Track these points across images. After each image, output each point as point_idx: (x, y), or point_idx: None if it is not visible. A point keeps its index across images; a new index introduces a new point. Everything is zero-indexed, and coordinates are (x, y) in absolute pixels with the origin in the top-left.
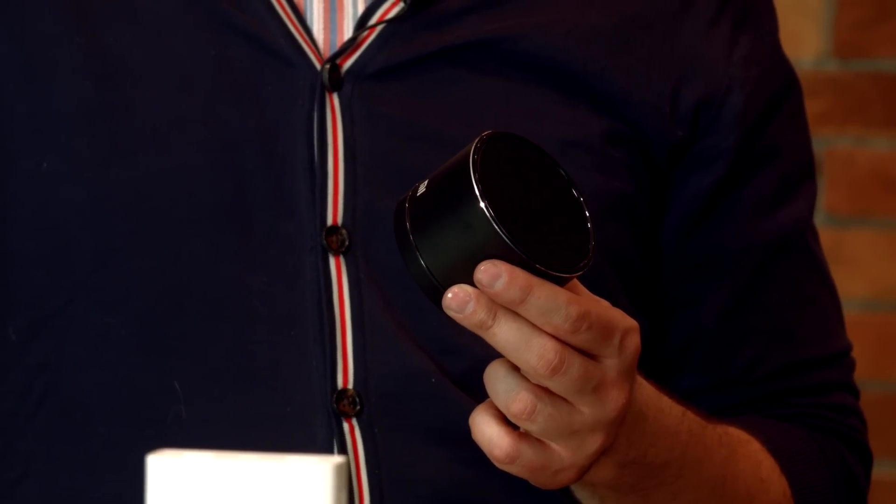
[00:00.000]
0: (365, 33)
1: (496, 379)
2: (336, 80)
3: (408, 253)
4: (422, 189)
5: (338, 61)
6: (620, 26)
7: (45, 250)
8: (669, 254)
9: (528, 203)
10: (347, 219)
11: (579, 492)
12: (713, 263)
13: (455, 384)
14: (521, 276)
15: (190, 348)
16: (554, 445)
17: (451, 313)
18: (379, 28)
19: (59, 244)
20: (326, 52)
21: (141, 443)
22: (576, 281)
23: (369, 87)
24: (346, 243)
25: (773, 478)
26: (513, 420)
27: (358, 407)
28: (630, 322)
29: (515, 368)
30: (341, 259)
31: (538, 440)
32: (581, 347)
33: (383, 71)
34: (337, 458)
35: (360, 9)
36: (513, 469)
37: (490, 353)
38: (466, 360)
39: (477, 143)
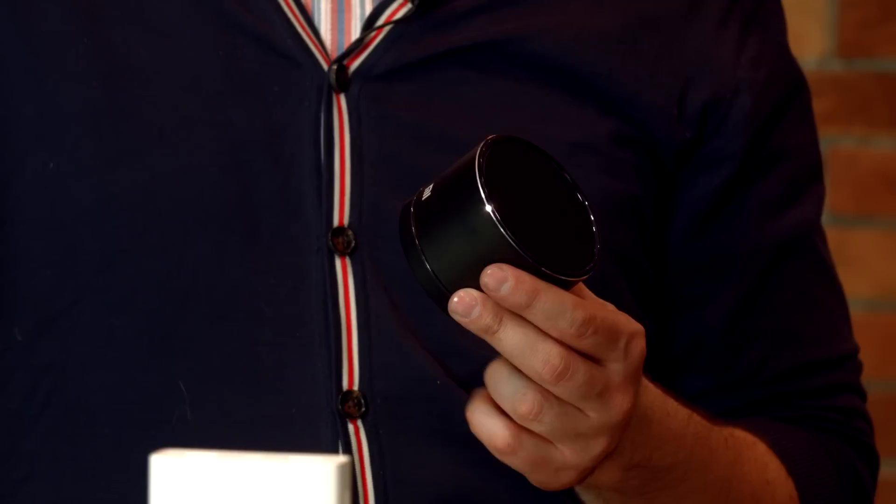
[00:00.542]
0: (372, 34)
1: (500, 380)
2: (343, 81)
3: (413, 257)
4: (427, 193)
5: (345, 62)
6: (628, 28)
7: (51, 251)
8: (676, 255)
9: (533, 207)
10: (354, 220)
11: (584, 494)
12: (720, 265)
13: (460, 386)
14: (528, 280)
15: (195, 349)
16: (558, 444)
17: (456, 317)
18: (386, 29)
19: (66, 245)
20: (334, 53)
21: (146, 443)
22: (581, 285)
23: (376, 87)
24: (353, 244)
25: (779, 480)
26: (519, 421)
27: (363, 408)
28: (635, 326)
29: (518, 369)
30: (347, 260)
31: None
32: (586, 352)
33: (391, 72)
34: (340, 458)
35: (368, 9)
36: (514, 461)
37: (495, 355)
38: (472, 362)
39: (482, 147)
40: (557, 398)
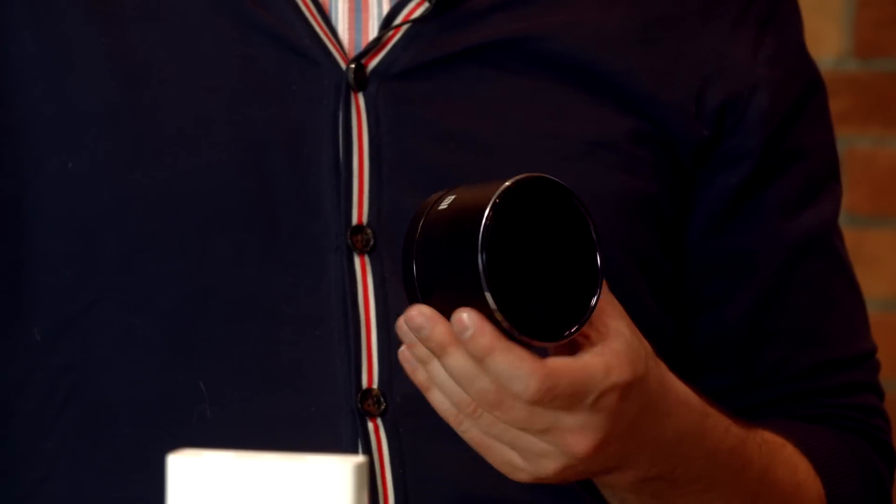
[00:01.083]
0: (390, 33)
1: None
2: (361, 80)
3: (406, 257)
4: (444, 204)
5: (363, 61)
6: (646, 26)
7: (70, 251)
8: (695, 254)
9: (536, 257)
10: (372, 218)
11: (602, 490)
12: (739, 264)
13: None
14: (488, 336)
15: (215, 348)
16: (500, 444)
17: (404, 329)
18: (404, 28)
19: (85, 244)
20: (351, 52)
21: (165, 443)
22: (606, 290)
23: (394, 86)
24: (371, 243)
25: (808, 482)
26: (457, 410)
27: (383, 406)
28: (614, 380)
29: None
30: (366, 258)
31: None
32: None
33: (408, 71)
34: (357, 458)
35: (385, 9)
36: (464, 437)
37: None
38: None
39: (505, 187)
40: None
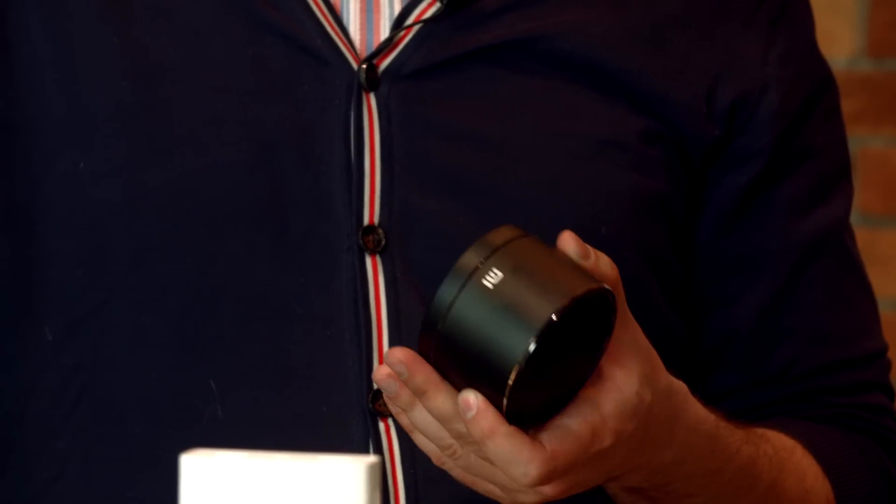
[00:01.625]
0: (402, 33)
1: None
2: (373, 80)
3: (442, 299)
4: (490, 281)
5: (374, 61)
6: (657, 26)
7: (81, 250)
8: (705, 253)
9: (557, 367)
10: (384, 218)
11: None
12: (749, 263)
13: None
14: (489, 420)
15: (226, 348)
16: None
17: (385, 381)
18: (416, 28)
19: (96, 244)
20: (363, 53)
21: (176, 442)
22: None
23: (406, 86)
24: (383, 243)
25: (816, 486)
26: (439, 453)
27: None
28: (600, 445)
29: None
30: (377, 258)
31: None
32: None
33: (420, 71)
34: (370, 458)
35: (397, 9)
36: (450, 472)
37: None
38: None
39: (571, 300)
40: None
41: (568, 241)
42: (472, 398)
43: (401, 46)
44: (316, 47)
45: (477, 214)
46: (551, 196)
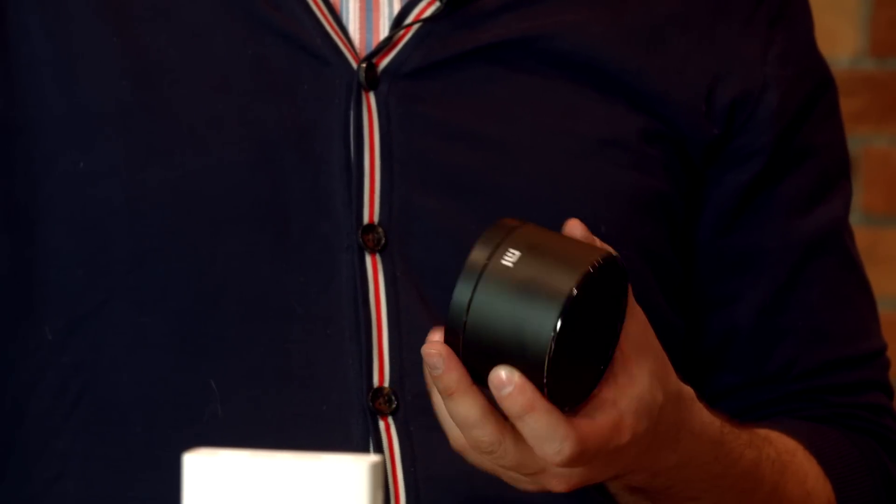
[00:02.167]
0: (401, 32)
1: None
2: (372, 79)
3: (466, 280)
4: (509, 260)
5: (374, 60)
6: (656, 25)
7: (81, 250)
8: (705, 252)
9: (584, 340)
10: (384, 217)
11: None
12: (749, 262)
13: None
14: (529, 394)
15: (226, 347)
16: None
17: (428, 363)
18: (415, 27)
19: (96, 244)
20: (362, 52)
21: (177, 442)
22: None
23: (406, 85)
24: (383, 241)
25: (818, 489)
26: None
27: (394, 405)
28: (618, 442)
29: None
30: (377, 257)
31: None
32: None
33: (419, 70)
34: (373, 457)
35: (396, 8)
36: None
37: None
38: None
39: (592, 267)
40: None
41: (575, 227)
42: (505, 374)
43: (400, 46)
44: (316, 47)
45: (476, 213)
46: (551, 195)
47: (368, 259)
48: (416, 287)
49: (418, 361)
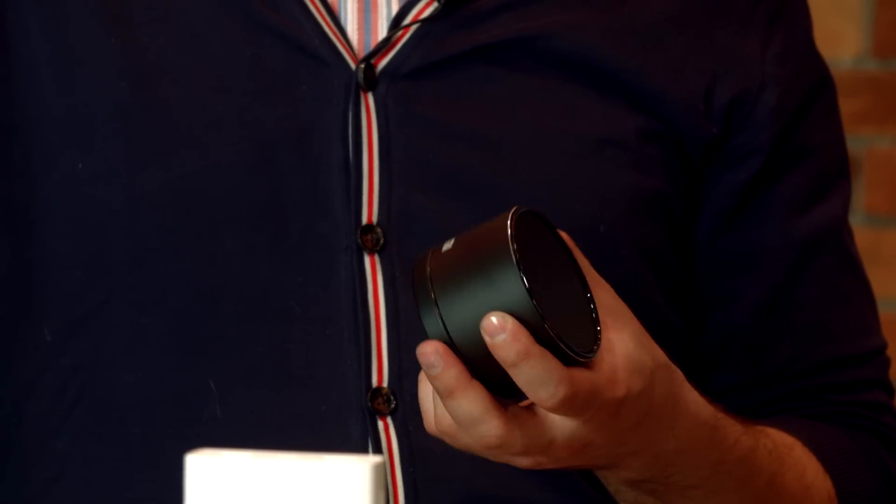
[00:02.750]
0: (399, 33)
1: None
2: (371, 80)
3: (424, 303)
4: (448, 245)
5: (372, 61)
6: (654, 24)
7: (80, 251)
8: (704, 251)
9: (548, 282)
10: (382, 217)
11: (601, 479)
12: (748, 261)
13: None
14: (524, 339)
15: (225, 348)
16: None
17: (425, 364)
18: (413, 28)
19: (95, 245)
20: (361, 52)
21: (176, 442)
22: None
23: (404, 86)
24: (381, 242)
25: (817, 483)
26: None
27: (393, 405)
28: (610, 395)
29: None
30: (376, 258)
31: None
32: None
33: (418, 70)
34: (374, 458)
35: (394, 9)
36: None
37: None
38: None
39: (512, 213)
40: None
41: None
42: (497, 320)
43: (398, 46)
44: (314, 47)
45: (475, 213)
46: (550, 195)
47: (367, 259)
48: None
49: (417, 361)
